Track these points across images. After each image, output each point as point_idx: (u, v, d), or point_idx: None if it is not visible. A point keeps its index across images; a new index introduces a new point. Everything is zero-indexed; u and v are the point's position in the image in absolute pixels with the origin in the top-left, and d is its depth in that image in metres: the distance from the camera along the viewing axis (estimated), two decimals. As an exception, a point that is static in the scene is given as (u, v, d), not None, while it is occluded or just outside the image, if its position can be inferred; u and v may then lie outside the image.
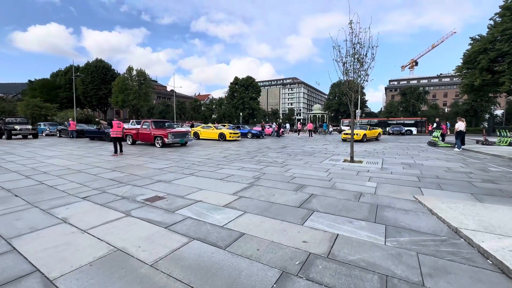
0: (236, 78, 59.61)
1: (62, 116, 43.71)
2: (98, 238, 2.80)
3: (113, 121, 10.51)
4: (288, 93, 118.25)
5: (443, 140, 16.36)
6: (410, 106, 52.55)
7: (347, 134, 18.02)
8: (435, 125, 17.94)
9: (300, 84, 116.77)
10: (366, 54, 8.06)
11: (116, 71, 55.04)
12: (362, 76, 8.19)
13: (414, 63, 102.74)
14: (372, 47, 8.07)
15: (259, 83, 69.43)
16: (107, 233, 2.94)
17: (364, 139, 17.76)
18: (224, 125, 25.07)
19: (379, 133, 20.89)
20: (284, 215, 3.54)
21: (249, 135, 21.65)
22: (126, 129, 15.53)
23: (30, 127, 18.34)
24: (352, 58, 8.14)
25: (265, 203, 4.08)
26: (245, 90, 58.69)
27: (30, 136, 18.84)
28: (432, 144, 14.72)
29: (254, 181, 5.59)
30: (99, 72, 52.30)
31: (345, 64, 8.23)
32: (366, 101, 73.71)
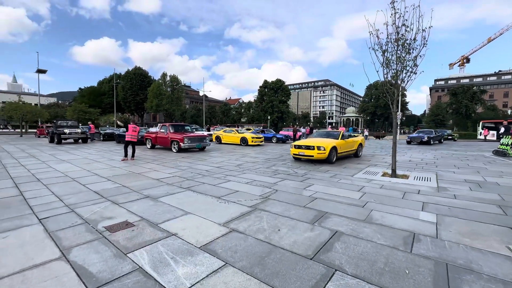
0: (265, 82, 58.76)
1: (104, 120, 47.44)
2: (-21, 307, 1.79)
3: (129, 125, 10.14)
4: (320, 96, 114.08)
5: (513, 148, 13.11)
6: (462, 107, 45.97)
7: (301, 147, 9.19)
8: (502, 129, 14.60)
9: (332, 86, 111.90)
10: (414, 38, 6.28)
11: (152, 78, 58.27)
12: (408, 67, 6.39)
13: (465, 60, 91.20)
14: (423, 29, 6.25)
15: (289, 86, 67.71)
16: (1, 296, 1.92)
17: (333, 158, 9.01)
18: (248, 129, 24.09)
19: (360, 144, 11.23)
20: (285, 276, 2.19)
21: (274, 140, 20.28)
22: (147, 132, 15.41)
23: (79, 131, 17.69)
24: (395, 45, 6.40)
25: (263, 245, 2.76)
26: (274, 93, 57.49)
27: (80, 141, 17.99)
28: (501, 153, 11.77)
29: (260, 203, 4.29)
30: (137, 79, 55.80)
31: (386, 53, 6.51)
32: (407, 103, 67.26)
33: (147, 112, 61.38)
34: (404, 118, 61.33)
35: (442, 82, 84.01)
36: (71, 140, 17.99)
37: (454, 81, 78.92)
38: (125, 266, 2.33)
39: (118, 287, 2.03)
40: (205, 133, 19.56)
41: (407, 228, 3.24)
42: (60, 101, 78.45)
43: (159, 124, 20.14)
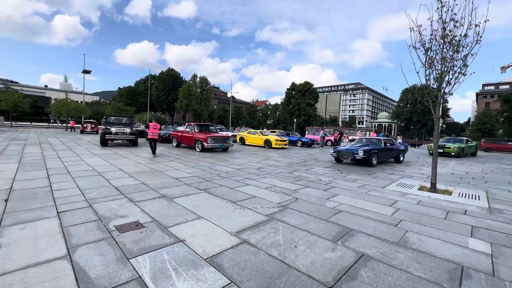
0: (293, 84, 57.98)
1: (138, 118, 50.43)
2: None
3: (149, 123, 10.50)
4: (350, 100, 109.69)
5: None
6: (517, 116, 40.63)
7: None
8: None
9: (364, 90, 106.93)
10: (465, 35, 5.48)
11: (184, 79, 60.71)
12: (457, 67, 5.60)
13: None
14: (476, 25, 5.43)
15: (318, 89, 66.02)
16: (-3, 295, 1.86)
17: None
18: (273, 131, 23.75)
19: None
20: (297, 306, 1.85)
21: (299, 143, 19.67)
22: (174, 131, 15.86)
23: (128, 130, 13.35)
24: (441, 42, 5.65)
25: (276, 263, 2.44)
26: (302, 96, 56.44)
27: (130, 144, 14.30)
28: None
29: (277, 212, 3.96)
30: (170, 80, 58.56)
31: (429, 51, 5.79)
32: (449, 109, 61.74)
33: (178, 112, 64.08)
34: (444, 126, 56.17)
35: (492, 87, 75.34)
36: (120, 141, 14.42)
37: (507, 86, 70.36)
38: (124, 274, 2.17)
39: (111, 299, 1.86)
40: (229, 133, 19.64)
41: (453, 258, 2.68)
42: (102, 99, 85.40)
43: (185, 123, 20.67)
